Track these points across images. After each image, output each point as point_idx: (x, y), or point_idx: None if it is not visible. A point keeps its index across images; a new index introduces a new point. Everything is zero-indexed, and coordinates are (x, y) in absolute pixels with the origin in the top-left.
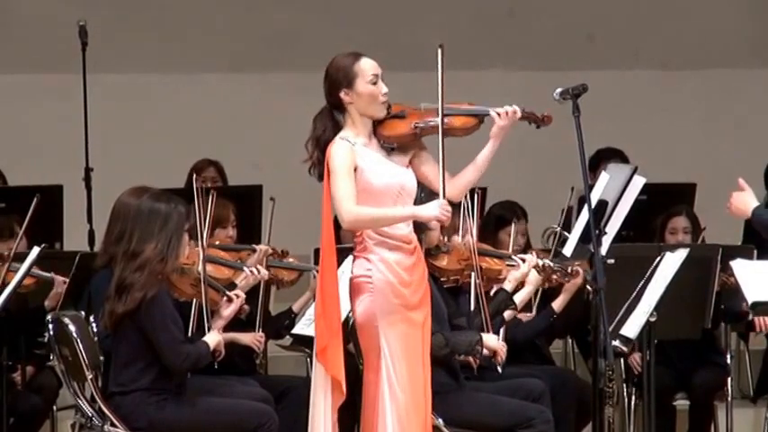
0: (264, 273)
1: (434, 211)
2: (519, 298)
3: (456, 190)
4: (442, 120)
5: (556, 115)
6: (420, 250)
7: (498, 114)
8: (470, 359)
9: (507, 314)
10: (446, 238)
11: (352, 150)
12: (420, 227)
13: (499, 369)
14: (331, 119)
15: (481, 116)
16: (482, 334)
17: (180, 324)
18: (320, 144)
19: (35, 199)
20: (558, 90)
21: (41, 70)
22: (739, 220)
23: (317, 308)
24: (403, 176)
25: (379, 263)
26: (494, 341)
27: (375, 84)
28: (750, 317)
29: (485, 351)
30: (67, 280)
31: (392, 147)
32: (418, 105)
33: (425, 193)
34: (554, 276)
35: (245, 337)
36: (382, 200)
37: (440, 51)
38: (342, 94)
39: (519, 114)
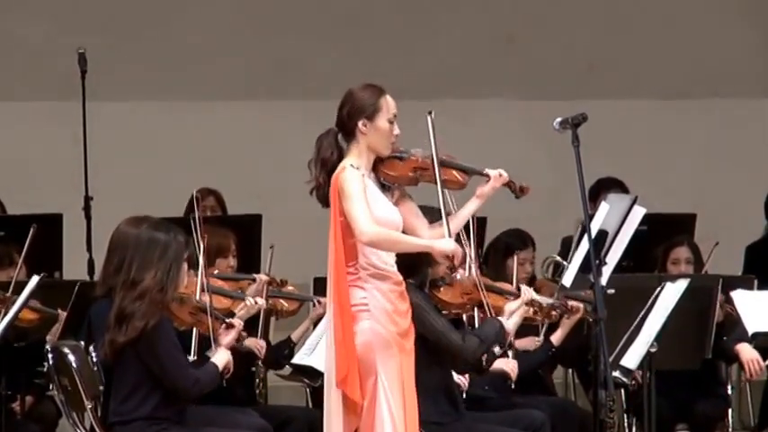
0: (262, 302)
1: (450, 245)
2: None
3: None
4: (441, 178)
5: (556, 144)
6: (404, 283)
7: (494, 178)
8: (507, 371)
9: (496, 350)
10: (450, 271)
11: (363, 179)
12: (427, 260)
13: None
14: (337, 143)
15: (472, 173)
16: (502, 321)
17: (182, 350)
18: (326, 166)
19: (32, 229)
20: (558, 120)
21: (41, 98)
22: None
23: (336, 336)
24: (397, 214)
25: (375, 291)
26: (509, 324)
27: (392, 123)
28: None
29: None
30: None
31: (389, 186)
32: (409, 149)
33: None
34: (553, 313)
35: (247, 342)
36: None
37: (429, 119)
38: (360, 124)
39: (506, 178)
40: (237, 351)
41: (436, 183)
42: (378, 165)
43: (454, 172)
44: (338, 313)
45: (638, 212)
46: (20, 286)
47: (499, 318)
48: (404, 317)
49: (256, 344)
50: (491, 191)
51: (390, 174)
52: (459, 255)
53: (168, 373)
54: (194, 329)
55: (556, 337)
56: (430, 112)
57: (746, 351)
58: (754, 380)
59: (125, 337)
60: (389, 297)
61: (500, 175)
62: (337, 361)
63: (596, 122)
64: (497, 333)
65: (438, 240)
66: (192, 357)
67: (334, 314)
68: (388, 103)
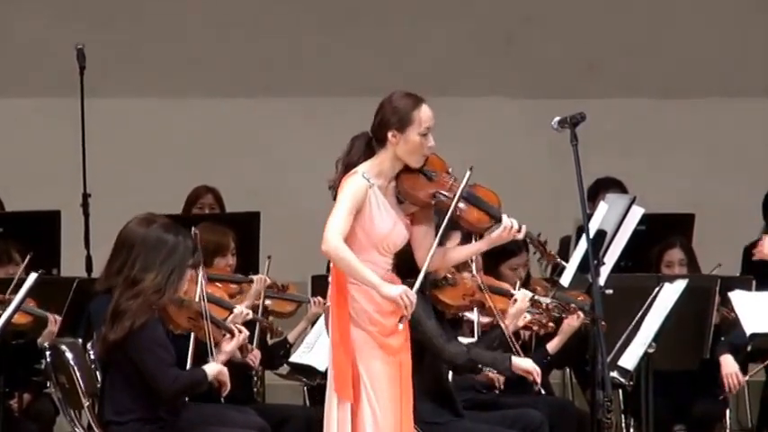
0: (248, 312)
1: (395, 292)
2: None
3: (423, 262)
4: (456, 214)
5: (555, 143)
6: (398, 281)
7: (505, 227)
8: (493, 377)
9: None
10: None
11: (367, 192)
12: None
13: (537, 388)
14: (368, 147)
15: (496, 220)
16: (513, 357)
17: (170, 350)
18: (348, 169)
19: (28, 256)
20: (557, 119)
21: (39, 94)
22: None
23: (333, 338)
24: (397, 230)
25: (355, 292)
26: (527, 363)
27: (425, 135)
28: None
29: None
30: (60, 318)
31: (403, 201)
32: (449, 169)
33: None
34: (550, 324)
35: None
36: (367, 241)
37: (468, 173)
38: (390, 134)
39: (521, 236)
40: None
41: (447, 215)
42: (401, 174)
43: (475, 212)
44: (336, 315)
45: (637, 212)
46: (18, 283)
47: (513, 358)
48: (388, 316)
49: (250, 354)
50: (497, 239)
51: (409, 192)
52: (400, 303)
53: (148, 369)
54: (192, 335)
55: (552, 346)
56: (471, 168)
57: (728, 365)
58: (733, 393)
59: (114, 336)
60: (371, 297)
61: (512, 228)
62: (336, 367)
63: (596, 122)
64: (495, 364)
65: (387, 285)
66: (188, 363)
67: (332, 315)
68: (422, 116)
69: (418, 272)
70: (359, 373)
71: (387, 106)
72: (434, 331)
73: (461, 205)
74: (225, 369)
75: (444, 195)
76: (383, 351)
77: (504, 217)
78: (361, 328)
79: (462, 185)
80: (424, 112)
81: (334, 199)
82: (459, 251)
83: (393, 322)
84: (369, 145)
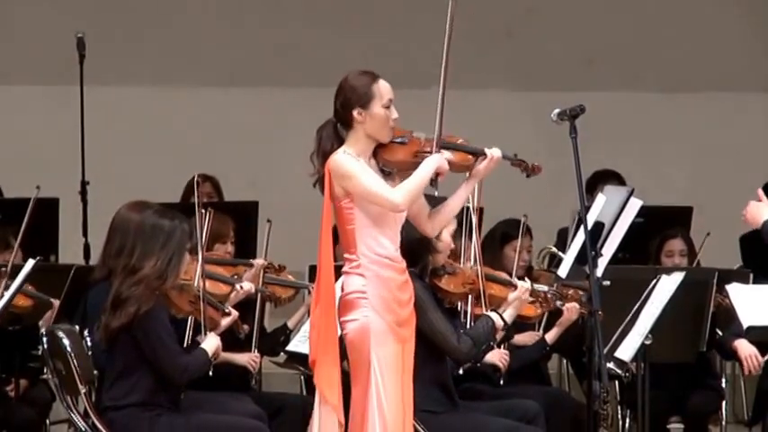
0: (249, 286)
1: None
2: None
3: (431, 226)
4: (446, 70)
5: (554, 136)
6: (407, 270)
7: (490, 157)
8: (500, 364)
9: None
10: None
11: (359, 161)
12: (428, 248)
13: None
14: (336, 133)
15: (477, 155)
16: (491, 316)
17: (175, 338)
18: (327, 158)
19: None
20: (556, 111)
21: (39, 82)
22: (753, 227)
23: (312, 321)
24: None
25: (375, 278)
26: (506, 317)
27: (388, 108)
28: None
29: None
30: (57, 303)
31: (390, 171)
32: (412, 132)
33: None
34: (549, 299)
35: (241, 358)
36: (385, 217)
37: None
38: (355, 113)
39: (499, 158)
40: (233, 340)
41: (439, 108)
42: (378, 150)
43: (458, 155)
44: (316, 300)
45: (635, 204)
46: (15, 270)
47: (491, 315)
48: (404, 306)
49: (249, 359)
50: (485, 171)
51: (391, 160)
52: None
53: (159, 359)
54: (189, 318)
55: (550, 336)
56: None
57: (745, 347)
58: (753, 375)
59: (118, 322)
60: (389, 286)
61: (493, 156)
62: (311, 345)
63: (595, 114)
64: (488, 333)
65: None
66: (185, 344)
67: (313, 301)
68: (382, 89)
69: (418, 260)
70: (369, 361)
71: (345, 87)
72: (445, 328)
73: (446, 153)
74: (219, 342)
75: (424, 152)
76: (397, 341)
77: (486, 150)
78: (379, 315)
79: (436, 134)
80: (383, 86)
81: (323, 192)
82: (456, 197)
83: (407, 312)
84: (336, 131)
